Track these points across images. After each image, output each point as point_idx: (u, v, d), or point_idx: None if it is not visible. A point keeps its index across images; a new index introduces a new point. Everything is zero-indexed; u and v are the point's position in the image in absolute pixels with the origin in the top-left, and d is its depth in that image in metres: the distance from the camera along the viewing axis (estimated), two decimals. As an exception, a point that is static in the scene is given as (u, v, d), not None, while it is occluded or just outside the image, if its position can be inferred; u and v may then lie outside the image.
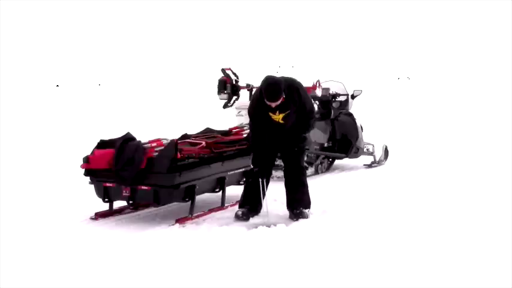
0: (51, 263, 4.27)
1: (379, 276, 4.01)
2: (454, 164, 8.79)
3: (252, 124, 5.79)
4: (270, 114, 5.53)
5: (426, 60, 35.36)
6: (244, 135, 6.47)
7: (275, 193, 6.60)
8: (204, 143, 5.94)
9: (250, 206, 5.74)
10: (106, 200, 5.61)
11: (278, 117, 5.54)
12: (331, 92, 8.78)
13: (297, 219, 5.61)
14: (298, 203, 5.72)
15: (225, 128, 6.73)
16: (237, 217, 5.65)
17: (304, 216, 5.65)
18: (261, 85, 5.51)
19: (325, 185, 7.33)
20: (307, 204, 5.77)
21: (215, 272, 4.07)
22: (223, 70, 8.03)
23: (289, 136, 5.67)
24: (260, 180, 5.60)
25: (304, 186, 5.80)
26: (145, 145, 5.44)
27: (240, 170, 6.24)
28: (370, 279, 3.96)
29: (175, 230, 5.19)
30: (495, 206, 6.07)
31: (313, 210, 5.84)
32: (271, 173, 5.97)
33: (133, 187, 5.35)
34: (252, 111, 5.70)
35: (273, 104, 5.43)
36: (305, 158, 6.78)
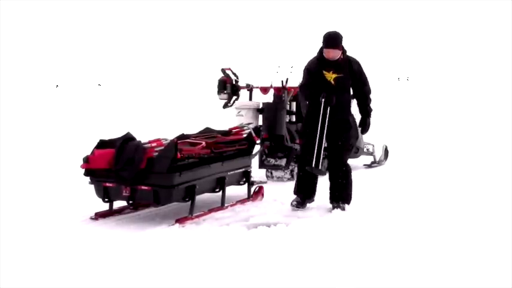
0: (51, 263, 4.27)
1: (379, 276, 4.01)
2: (454, 164, 8.80)
3: (307, 82, 5.97)
4: (324, 72, 5.83)
5: (426, 60, 35.35)
6: (244, 135, 6.47)
7: (275, 193, 6.61)
8: (204, 143, 5.94)
9: (304, 193, 5.99)
10: (106, 200, 5.60)
11: (331, 76, 5.83)
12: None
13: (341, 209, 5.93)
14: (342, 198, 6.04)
15: (225, 128, 6.74)
16: (293, 207, 5.94)
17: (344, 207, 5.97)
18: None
19: (325, 185, 7.32)
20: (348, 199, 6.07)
21: (215, 272, 4.07)
22: (223, 70, 8.04)
23: (337, 113, 5.85)
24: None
25: (348, 183, 6.05)
26: (145, 145, 5.44)
27: (240, 170, 6.24)
28: (370, 279, 3.96)
29: (175, 230, 5.19)
30: (495, 205, 6.07)
31: (313, 210, 5.86)
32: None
33: (133, 187, 5.34)
34: (309, 68, 5.96)
35: (331, 53, 5.77)
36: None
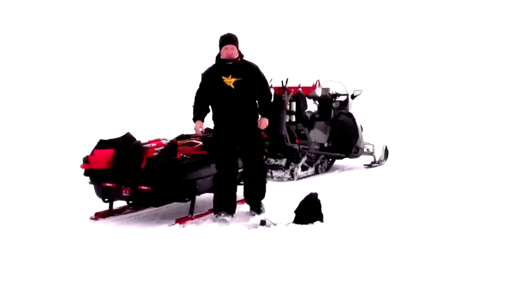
0: (51, 263, 4.27)
1: (379, 276, 4.01)
2: (454, 164, 8.80)
3: (200, 91, 5.92)
4: (223, 77, 5.66)
5: (426, 60, 35.35)
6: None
7: (275, 193, 6.61)
8: (202, 143, 5.94)
9: (227, 209, 5.67)
10: (106, 200, 5.61)
11: (230, 80, 5.66)
12: (331, 92, 8.79)
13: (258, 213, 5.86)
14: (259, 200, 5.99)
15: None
16: (221, 222, 5.57)
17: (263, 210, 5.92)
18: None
19: (325, 185, 7.33)
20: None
21: (215, 272, 4.07)
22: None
23: (244, 122, 5.74)
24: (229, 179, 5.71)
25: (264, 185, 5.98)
26: (145, 145, 5.44)
27: (240, 170, 6.24)
28: (370, 279, 3.96)
29: (175, 230, 5.19)
30: (495, 206, 6.07)
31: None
32: (237, 171, 5.92)
33: (134, 187, 5.35)
34: (206, 74, 5.80)
35: (229, 49, 5.60)
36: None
